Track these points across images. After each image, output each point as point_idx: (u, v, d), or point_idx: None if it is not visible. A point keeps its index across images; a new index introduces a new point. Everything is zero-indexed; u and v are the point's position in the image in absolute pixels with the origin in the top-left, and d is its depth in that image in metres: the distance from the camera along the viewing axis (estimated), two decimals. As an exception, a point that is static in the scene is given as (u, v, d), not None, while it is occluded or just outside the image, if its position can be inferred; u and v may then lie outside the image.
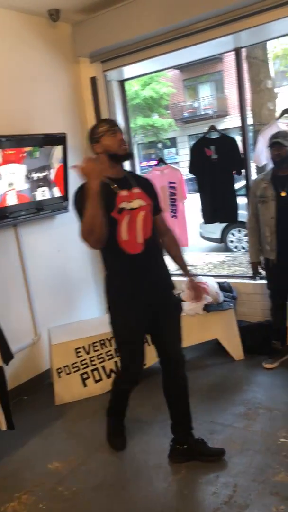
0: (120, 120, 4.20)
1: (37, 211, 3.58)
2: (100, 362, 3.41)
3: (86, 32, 3.74)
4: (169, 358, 2.53)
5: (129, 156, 2.42)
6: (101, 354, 3.40)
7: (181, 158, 19.46)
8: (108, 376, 3.41)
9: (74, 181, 3.93)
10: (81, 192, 2.20)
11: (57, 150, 3.64)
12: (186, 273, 2.64)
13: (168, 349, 2.52)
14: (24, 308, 3.64)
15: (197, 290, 2.66)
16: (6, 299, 3.45)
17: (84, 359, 3.37)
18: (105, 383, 3.39)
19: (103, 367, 3.41)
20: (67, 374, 3.35)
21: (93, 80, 3.98)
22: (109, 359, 3.41)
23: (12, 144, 3.28)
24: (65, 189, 3.76)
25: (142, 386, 3.21)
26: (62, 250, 3.92)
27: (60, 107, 3.90)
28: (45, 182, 3.60)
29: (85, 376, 3.39)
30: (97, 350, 3.39)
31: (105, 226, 2.18)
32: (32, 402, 3.46)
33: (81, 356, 3.36)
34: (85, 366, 3.38)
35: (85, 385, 3.39)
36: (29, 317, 3.68)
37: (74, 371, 3.37)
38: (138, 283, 2.37)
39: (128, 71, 4.03)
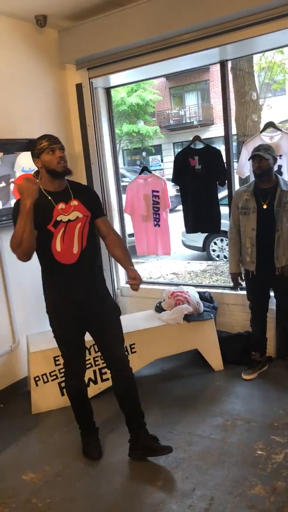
0: (105, 127, 4.19)
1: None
2: (78, 371, 3.37)
3: (73, 38, 3.74)
4: (113, 360, 2.65)
5: (67, 173, 2.48)
6: (80, 362, 3.36)
7: (166, 165, 19.55)
8: (87, 385, 3.37)
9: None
10: (17, 206, 2.35)
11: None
12: (127, 268, 2.57)
13: (111, 352, 2.64)
14: (3, 314, 3.59)
15: (138, 279, 2.49)
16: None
17: (63, 368, 3.33)
18: (83, 392, 3.35)
19: (81, 375, 3.38)
20: (45, 382, 3.31)
21: (79, 87, 3.98)
22: (88, 368, 3.37)
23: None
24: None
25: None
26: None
27: (45, 112, 3.87)
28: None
29: (63, 385, 3.34)
30: (76, 359, 3.36)
31: (33, 241, 2.34)
32: (8, 410, 3.41)
33: (59, 364, 3.32)
34: (63, 375, 3.34)
35: (62, 394, 3.34)
36: (8, 324, 3.63)
37: (52, 380, 3.33)
38: (71, 290, 2.53)
39: (115, 79, 4.03)
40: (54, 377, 3.33)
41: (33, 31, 3.68)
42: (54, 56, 3.88)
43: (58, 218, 2.45)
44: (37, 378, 3.29)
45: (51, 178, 2.46)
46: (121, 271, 4.41)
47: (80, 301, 2.54)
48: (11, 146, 3.41)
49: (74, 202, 2.50)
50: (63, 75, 4.03)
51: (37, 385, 3.30)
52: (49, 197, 2.46)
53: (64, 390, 2.91)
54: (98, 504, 2.37)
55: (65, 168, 2.45)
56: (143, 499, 2.38)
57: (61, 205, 2.48)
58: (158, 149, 21.18)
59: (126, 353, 2.78)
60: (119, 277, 4.41)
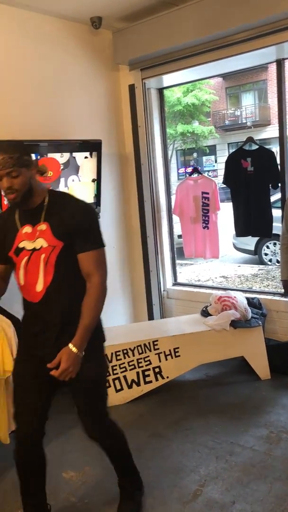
0: (157, 128, 4.18)
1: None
2: (122, 372, 3.37)
3: (127, 39, 3.74)
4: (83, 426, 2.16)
5: (16, 204, 1.94)
6: (123, 363, 3.37)
7: (219, 166, 19.31)
8: (129, 387, 3.37)
9: (107, 188, 3.95)
10: None
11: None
12: (75, 335, 1.92)
13: (82, 420, 2.16)
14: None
15: (63, 367, 1.88)
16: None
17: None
18: (126, 393, 3.36)
19: (124, 376, 3.38)
20: (89, 381, 3.34)
21: (132, 88, 3.98)
22: (131, 369, 3.37)
23: (49, 149, 3.31)
24: (97, 195, 3.76)
25: (162, 400, 3.17)
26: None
27: (97, 114, 3.91)
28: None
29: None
30: (120, 359, 3.36)
31: None
32: (51, 407, 3.45)
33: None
34: (107, 374, 3.35)
35: (105, 394, 3.36)
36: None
37: (96, 379, 3.35)
38: (34, 337, 2.01)
39: (168, 79, 4.01)
40: (98, 376, 3.34)
41: (88, 33, 3.72)
42: (107, 57, 3.91)
43: (21, 245, 1.94)
44: (81, 377, 3.32)
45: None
46: (168, 272, 4.37)
47: (42, 357, 1.94)
48: (65, 147, 3.46)
49: (42, 226, 1.92)
50: (116, 76, 4.04)
51: (80, 383, 3.33)
52: (17, 217, 1.98)
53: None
54: None
55: (13, 201, 1.89)
56: (181, 508, 2.33)
57: (27, 229, 1.95)
58: (212, 150, 20.95)
59: (102, 422, 2.18)
60: (166, 279, 4.38)
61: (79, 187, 3.62)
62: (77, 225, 1.92)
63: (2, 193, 1.99)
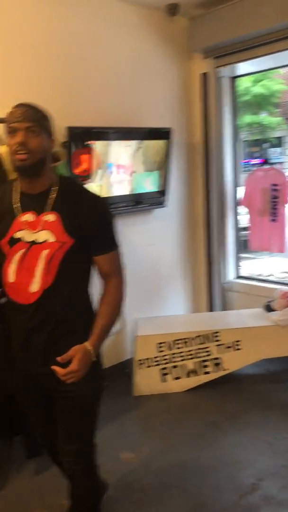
0: (227, 118, 4.11)
1: (135, 204, 3.63)
2: (181, 360, 3.39)
3: (203, 26, 3.69)
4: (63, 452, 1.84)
5: (26, 172, 1.60)
6: (182, 352, 3.38)
7: (287, 159, 18.67)
8: (188, 376, 3.39)
9: (174, 177, 3.95)
10: None
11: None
12: (90, 335, 1.68)
13: (60, 448, 1.83)
14: (113, 296, 3.72)
15: (72, 367, 1.62)
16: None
17: (166, 355, 3.38)
18: (184, 382, 3.38)
19: (183, 365, 3.39)
20: (148, 367, 3.38)
21: (204, 76, 3.93)
22: (190, 359, 3.38)
23: (118, 137, 3.35)
24: (164, 184, 3.77)
25: (220, 391, 3.16)
26: (155, 244, 3.95)
27: (167, 102, 3.90)
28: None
29: (165, 371, 3.40)
30: (180, 348, 3.38)
31: None
32: (111, 389, 3.51)
33: (163, 351, 3.37)
34: (166, 361, 3.39)
35: (164, 381, 3.39)
36: (117, 306, 3.75)
37: (155, 365, 3.39)
38: (21, 348, 1.72)
39: (242, 68, 3.92)
40: (157, 363, 3.38)
41: (163, 20, 3.71)
42: (181, 45, 3.88)
43: (17, 235, 1.63)
44: (140, 362, 3.38)
45: (17, 175, 1.65)
46: (230, 264, 4.32)
47: (35, 372, 1.72)
48: (136, 135, 3.49)
49: (49, 217, 1.63)
50: (189, 65, 4.01)
51: (140, 368, 3.38)
52: (16, 200, 1.66)
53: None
54: (190, 496, 2.37)
55: (22, 163, 1.55)
56: (237, 499, 2.33)
57: (28, 216, 1.64)
58: (280, 141, 20.28)
59: (88, 454, 1.84)
60: (228, 271, 4.32)
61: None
62: (94, 222, 1.66)
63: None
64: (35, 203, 1.64)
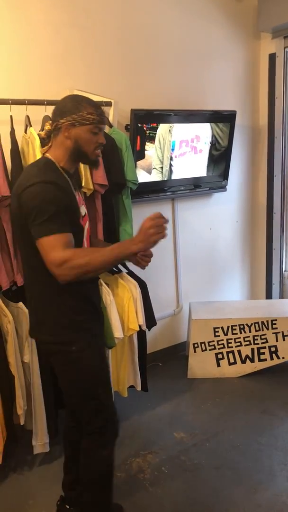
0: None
1: (194, 187, 3.62)
2: (236, 346, 3.38)
3: (273, 4, 3.56)
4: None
5: (95, 162, 1.78)
6: (239, 338, 3.37)
7: None
8: (243, 362, 3.37)
9: (235, 161, 3.89)
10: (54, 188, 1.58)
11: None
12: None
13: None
14: (171, 279, 3.75)
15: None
16: (156, 269, 3.59)
17: (221, 340, 3.38)
18: (239, 367, 3.37)
19: (239, 351, 3.38)
20: (203, 350, 3.40)
21: (272, 57, 3.81)
22: (246, 345, 3.36)
23: (180, 119, 3.33)
24: (225, 168, 3.72)
25: (275, 379, 3.12)
26: (213, 229, 3.93)
27: (233, 83, 3.82)
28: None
29: (219, 356, 3.40)
30: (236, 333, 3.37)
31: None
32: (166, 370, 3.60)
33: (218, 336, 3.38)
34: (221, 346, 3.39)
35: (218, 365, 3.40)
36: (174, 289, 3.79)
37: (210, 349, 3.40)
38: (99, 315, 1.95)
39: (312, 47, 3.76)
40: (212, 347, 3.39)
41: (232, 0, 3.62)
42: (249, 25, 3.78)
43: (82, 211, 1.78)
44: (195, 345, 3.40)
45: (71, 158, 1.72)
46: (292, 253, 4.22)
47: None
48: (199, 118, 3.45)
49: (80, 193, 1.86)
50: (257, 45, 3.89)
51: (195, 351, 3.41)
52: (66, 176, 1.70)
53: (95, 462, 1.88)
54: (243, 478, 2.39)
55: (97, 158, 1.76)
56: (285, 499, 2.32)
57: (76, 193, 1.77)
58: None
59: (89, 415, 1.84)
60: (289, 259, 4.23)
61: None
62: None
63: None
64: (73, 181, 1.75)
